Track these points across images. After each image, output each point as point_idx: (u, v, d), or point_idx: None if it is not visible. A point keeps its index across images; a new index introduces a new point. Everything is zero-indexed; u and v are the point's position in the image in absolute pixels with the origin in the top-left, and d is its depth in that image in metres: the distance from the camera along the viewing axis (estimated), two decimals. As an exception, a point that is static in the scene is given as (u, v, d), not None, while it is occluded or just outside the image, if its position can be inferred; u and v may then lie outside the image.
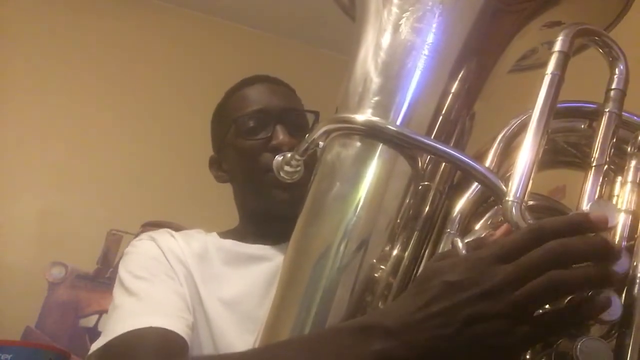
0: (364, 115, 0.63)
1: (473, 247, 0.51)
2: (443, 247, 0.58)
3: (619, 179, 0.59)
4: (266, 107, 0.94)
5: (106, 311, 2.34)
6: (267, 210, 0.93)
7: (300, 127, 0.93)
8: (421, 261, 0.60)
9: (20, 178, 2.33)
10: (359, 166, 0.62)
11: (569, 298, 0.47)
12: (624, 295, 0.50)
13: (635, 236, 0.54)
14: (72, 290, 2.31)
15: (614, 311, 0.46)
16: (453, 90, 0.64)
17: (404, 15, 0.66)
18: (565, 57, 0.58)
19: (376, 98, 0.64)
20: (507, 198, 0.52)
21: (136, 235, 2.46)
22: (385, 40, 0.66)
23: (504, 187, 0.53)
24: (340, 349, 0.49)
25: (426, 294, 0.47)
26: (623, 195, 0.57)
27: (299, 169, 0.71)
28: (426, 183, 0.62)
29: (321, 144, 0.66)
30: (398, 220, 0.60)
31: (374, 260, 0.58)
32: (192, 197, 2.32)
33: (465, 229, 0.59)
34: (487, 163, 0.60)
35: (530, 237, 0.47)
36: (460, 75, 0.65)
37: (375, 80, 0.65)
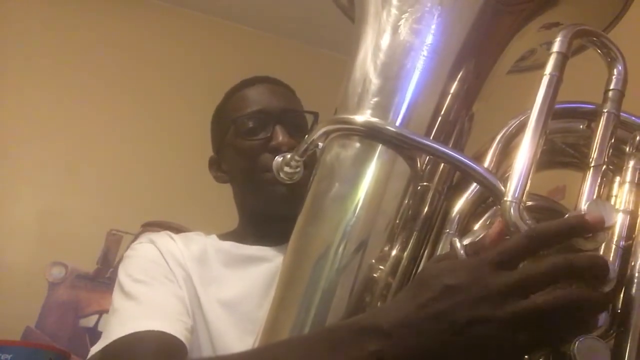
0: (363, 116, 0.63)
1: (471, 249, 0.51)
2: (442, 247, 0.58)
3: (618, 179, 0.59)
4: (266, 108, 0.94)
5: (106, 311, 2.34)
6: (267, 209, 0.93)
7: (299, 128, 0.93)
8: (420, 261, 0.60)
9: (20, 178, 2.33)
10: (358, 167, 0.62)
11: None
12: (621, 295, 0.50)
13: (634, 236, 0.54)
14: (72, 290, 2.31)
15: (602, 318, 0.48)
16: (452, 91, 0.64)
17: (403, 16, 0.66)
18: (564, 58, 0.58)
19: (375, 99, 0.65)
20: (505, 198, 0.52)
21: (136, 236, 2.48)
22: (385, 41, 0.67)
23: (502, 187, 0.53)
24: (336, 349, 0.48)
25: (424, 295, 0.47)
26: (621, 195, 0.57)
27: (298, 169, 0.72)
28: (425, 183, 0.62)
29: (320, 144, 0.66)
30: (397, 221, 0.60)
31: (373, 261, 0.59)
32: (192, 197, 2.32)
33: (464, 229, 0.59)
34: (486, 163, 0.61)
35: (528, 243, 0.47)
36: (459, 76, 0.65)
37: (375, 81, 0.65)
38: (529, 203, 0.57)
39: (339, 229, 0.60)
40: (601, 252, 0.51)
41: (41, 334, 2.21)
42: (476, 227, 0.60)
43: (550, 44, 0.60)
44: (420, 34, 0.65)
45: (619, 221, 0.54)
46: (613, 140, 0.58)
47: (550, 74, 0.57)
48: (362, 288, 0.58)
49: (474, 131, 0.67)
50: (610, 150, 0.58)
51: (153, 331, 0.73)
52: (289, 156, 0.71)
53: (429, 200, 0.62)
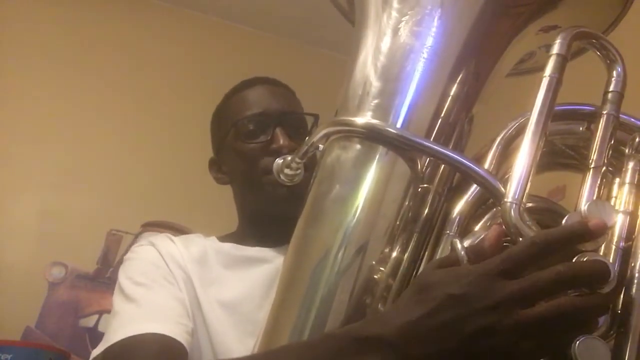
0: (364, 118, 0.63)
1: (471, 251, 0.51)
2: (442, 249, 0.58)
3: (617, 180, 0.59)
4: (266, 110, 0.94)
5: (106, 311, 2.34)
6: (267, 211, 0.93)
7: (299, 130, 0.93)
8: (420, 263, 0.60)
9: (20, 178, 2.33)
10: (359, 168, 0.62)
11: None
12: (621, 296, 0.51)
13: (633, 237, 0.54)
14: (72, 290, 2.31)
15: (601, 318, 0.48)
16: (452, 93, 0.64)
17: (403, 18, 0.66)
18: (563, 60, 0.59)
19: (376, 101, 0.65)
20: (505, 200, 0.52)
21: (136, 236, 2.48)
22: (385, 43, 0.67)
23: (502, 189, 0.54)
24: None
25: (428, 304, 0.47)
26: (621, 196, 0.57)
27: (299, 171, 0.72)
28: (425, 185, 0.62)
29: (321, 146, 0.66)
30: (397, 223, 0.60)
31: (374, 262, 0.59)
32: (191, 197, 2.32)
33: (464, 230, 0.59)
34: (486, 165, 0.61)
35: (532, 251, 0.47)
36: (459, 78, 0.65)
37: (375, 84, 0.66)
38: (529, 204, 0.57)
39: (339, 231, 0.60)
40: (601, 253, 0.51)
41: (41, 334, 2.21)
42: (476, 228, 0.60)
43: (549, 46, 0.60)
44: (420, 37, 0.65)
45: (619, 222, 0.54)
46: (612, 142, 0.59)
47: (549, 75, 0.58)
48: (362, 290, 0.58)
49: (474, 133, 0.67)
50: (610, 152, 0.58)
51: (153, 334, 0.73)
52: (289, 158, 0.71)
53: (429, 201, 0.62)
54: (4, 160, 2.30)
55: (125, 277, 0.84)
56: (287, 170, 0.71)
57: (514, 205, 0.51)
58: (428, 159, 0.62)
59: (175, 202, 2.40)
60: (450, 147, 0.64)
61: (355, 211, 0.60)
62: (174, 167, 2.45)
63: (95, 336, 2.23)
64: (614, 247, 0.52)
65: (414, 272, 0.59)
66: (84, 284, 2.33)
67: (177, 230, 2.29)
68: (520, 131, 0.60)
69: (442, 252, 0.58)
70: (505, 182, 0.54)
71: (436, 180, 0.63)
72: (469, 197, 0.60)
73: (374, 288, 0.58)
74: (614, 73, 0.61)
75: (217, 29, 2.74)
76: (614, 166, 0.60)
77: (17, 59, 2.43)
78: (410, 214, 0.61)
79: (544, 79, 0.58)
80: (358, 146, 0.63)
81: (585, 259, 0.47)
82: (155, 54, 2.62)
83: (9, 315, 2.11)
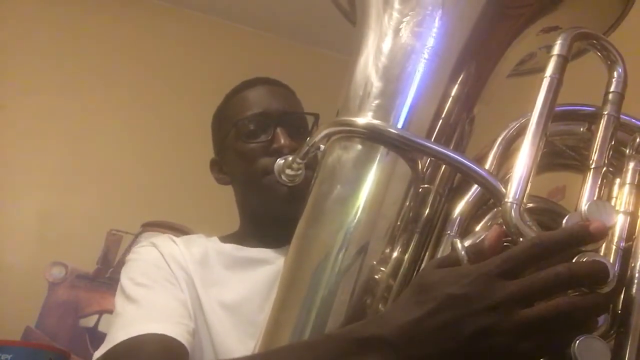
0: (365, 118, 0.63)
1: (472, 251, 0.51)
2: (443, 249, 0.58)
3: (618, 180, 0.60)
4: (266, 110, 0.94)
5: (106, 311, 2.33)
6: (268, 211, 0.93)
7: (300, 130, 0.93)
8: (421, 263, 0.60)
9: (20, 178, 2.33)
10: (360, 169, 0.62)
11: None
12: (622, 296, 0.51)
13: (634, 237, 0.54)
14: (72, 290, 2.30)
15: (601, 317, 0.48)
16: (453, 93, 0.64)
17: (404, 19, 0.66)
18: (564, 61, 0.59)
19: (377, 101, 0.65)
20: (506, 200, 0.52)
21: (136, 236, 2.48)
22: (386, 44, 0.67)
23: (503, 189, 0.54)
24: None
25: (428, 304, 0.47)
26: (621, 196, 0.57)
27: (300, 172, 0.72)
28: (426, 186, 0.62)
29: (322, 147, 0.66)
30: (398, 223, 0.60)
31: (374, 263, 0.59)
32: (192, 197, 2.32)
33: (465, 231, 0.59)
34: (487, 166, 0.61)
35: (532, 253, 0.47)
36: (460, 79, 0.65)
37: (376, 84, 0.66)
38: (530, 205, 0.57)
39: (340, 231, 0.60)
40: (601, 253, 0.51)
41: (41, 334, 2.21)
42: (477, 228, 0.60)
43: (550, 47, 0.60)
44: (421, 37, 0.65)
45: (619, 222, 0.55)
46: (613, 142, 0.59)
47: (550, 76, 0.58)
48: (363, 290, 0.58)
49: (475, 133, 0.67)
50: (611, 152, 0.58)
51: (155, 334, 0.73)
52: (290, 159, 0.71)
53: (430, 202, 0.62)
54: (4, 160, 2.30)
55: (126, 277, 0.84)
56: (288, 171, 0.71)
57: (515, 205, 0.51)
58: (429, 159, 0.62)
59: (175, 202, 2.39)
60: (451, 147, 0.64)
61: (356, 211, 0.60)
62: (174, 167, 2.45)
63: (96, 336, 2.23)
64: (614, 247, 0.52)
65: (415, 273, 0.60)
66: (84, 284, 2.33)
67: (178, 230, 2.29)
68: (520, 132, 0.60)
69: (442, 252, 0.58)
70: (505, 182, 0.54)
71: (437, 180, 0.63)
72: (469, 198, 0.60)
73: (374, 288, 0.58)
74: (615, 74, 0.61)
75: (217, 29, 2.74)
76: (614, 167, 0.61)
77: (17, 59, 2.43)
78: (411, 215, 0.61)
79: (545, 79, 0.58)
80: (359, 146, 0.63)
81: (584, 259, 0.47)
82: (156, 54, 2.62)
83: (9, 315, 2.11)
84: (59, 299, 2.29)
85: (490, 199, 0.60)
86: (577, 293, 0.46)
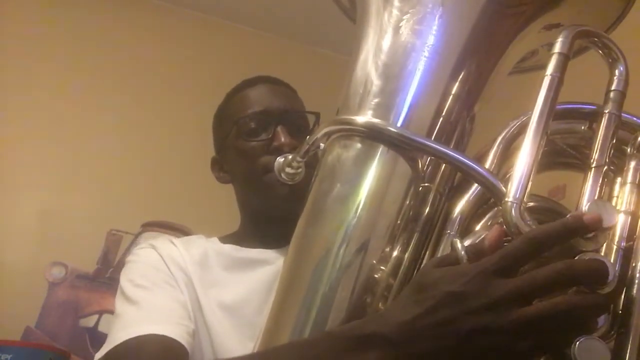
0: (365, 117, 0.63)
1: (472, 250, 0.51)
2: (443, 248, 0.58)
3: (619, 179, 0.59)
4: (267, 109, 0.94)
5: (106, 311, 2.33)
6: (268, 210, 0.93)
7: (301, 129, 0.93)
8: (421, 262, 0.60)
9: (20, 178, 2.33)
10: (360, 168, 0.62)
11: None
12: (622, 296, 0.50)
13: (634, 237, 0.54)
14: (72, 290, 2.30)
15: (602, 318, 0.48)
16: (453, 91, 0.64)
17: (404, 17, 0.66)
18: (565, 59, 0.58)
19: (376, 100, 0.65)
20: (506, 199, 0.52)
21: (136, 236, 2.48)
22: (386, 42, 0.66)
23: (503, 188, 0.53)
24: (339, 358, 0.49)
25: (427, 302, 0.47)
26: (622, 196, 0.57)
27: (300, 170, 0.71)
28: (426, 184, 0.62)
29: (322, 145, 0.66)
30: (398, 222, 0.60)
31: (374, 262, 0.58)
32: (192, 197, 2.32)
33: (465, 230, 0.59)
34: (487, 164, 0.61)
35: (528, 247, 0.47)
36: (460, 77, 0.65)
37: (376, 82, 0.65)
38: (530, 204, 0.57)
39: (340, 230, 0.60)
40: (602, 253, 0.51)
41: (41, 334, 2.21)
42: (477, 227, 0.60)
43: (551, 45, 0.60)
44: (421, 35, 0.65)
45: (620, 222, 0.54)
46: (614, 141, 0.58)
47: (551, 74, 0.57)
48: (363, 289, 0.57)
49: (475, 132, 0.67)
50: (612, 151, 0.58)
51: (155, 335, 0.73)
52: (290, 157, 0.71)
53: (430, 201, 0.62)
54: (4, 160, 2.30)
55: (126, 279, 0.84)
56: (288, 169, 0.71)
57: (515, 204, 0.51)
58: (429, 158, 0.61)
59: (175, 202, 2.39)
60: (452, 146, 0.63)
61: (356, 210, 0.60)
62: (174, 167, 2.45)
63: (95, 336, 2.23)
64: (615, 247, 0.52)
65: (415, 272, 0.59)
66: (84, 284, 2.33)
67: (177, 230, 2.29)
68: (521, 130, 0.60)
69: (442, 251, 0.58)
70: (506, 181, 0.54)
71: (437, 179, 0.62)
72: (470, 197, 0.60)
73: (374, 287, 0.58)
74: (616, 72, 0.61)
75: (217, 29, 2.74)
76: (615, 165, 0.60)
77: (17, 59, 2.42)
78: (411, 213, 0.60)
79: (546, 77, 0.57)
80: (359, 145, 0.63)
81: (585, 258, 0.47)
82: (156, 54, 2.62)
83: (9, 315, 2.11)
84: (59, 299, 2.29)
85: (490, 197, 0.59)
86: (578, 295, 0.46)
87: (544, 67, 0.58)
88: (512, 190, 0.52)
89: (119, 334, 0.75)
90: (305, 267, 0.61)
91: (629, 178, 0.58)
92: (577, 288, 0.47)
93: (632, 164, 0.59)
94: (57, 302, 2.28)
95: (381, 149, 0.61)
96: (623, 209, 0.56)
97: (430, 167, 0.62)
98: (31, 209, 2.34)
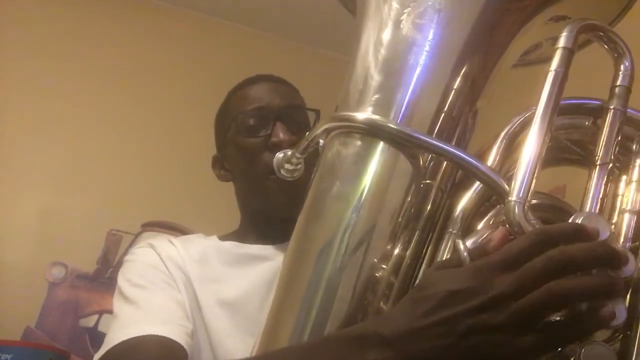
0: (364, 114, 0.62)
1: (475, 253, 0.50)
2: (445, 246, 0.57)
3: (624, 177, 0.58)
4: (266, 105, 0.93)
5: (106, 311, 2.33)
6: (267, 207, 0.92)
7: (300, 125, 0.92)
8: (423, 260, 0.59)
9: (20, 178, 2.33)
10: (360, 165, 0.61)
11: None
12: (628, 297, 0.49)
13: (640, 237, 0.53)
14: (72, 290, 2.30)
15: (619, 316, 0.45)
16: (455, 87, 0.63)
17: (405, 11, 0.64)
18: (570, 54, 0.57)
19: (377, 96, 0.63)
20: (509, 198, 0.51)
21: (136, 236, 2.47)
22: (386, 36, 0.65)
23: (506, 186, 0.53)
24: (336, 359, 0.49)
25: (426, 302, 0.47)
26: (628, 194, 0.56)
27: (299, 167, 0.71)
28: (428, 182, 0.61)
29: (322, 142, 0.65)
30: (399, 220, 0.59)
31: (375, 260, 0.58)
32: (192, 197, 2.33)
33: (467, 228, 0.58)
34: (490, 162, 0.60)
35: (531, 245, 0.46)
36: (462, 72, 0.63)
37: (376, 78, 0.64)
38: (534, 201, 0.56)
39: (340, 228, 0.59)
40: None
41: (41, 334, 2.21)
42: (480, 225, 0.59)
43: (555, 39, 0.58)
44: (422, 29, 0.64)
45: (626, 221, 0.54)
46: (619, 138, 0.57)
47: (555, 70, 0.56)
48: (364, 287, 0.57)
49: (478, 128, 0.66)
50: (617, 148, 0.57)
51: (154, 335, 0.73)
52: (289, 153, 0.70)
53: (431, 198, 0.60)
54: (4, 160, 2.30)
55: (124, 279, 0.84)
56: (287, 165, 0.70)
57: (518, 203, 0.50)
58: (430, 155, 0.60)
59: (175, 202, 2.40)
60: (454, 142, 0.62)
61: (356, 208, 0.59)
62: (174, 167, 2.45)
63: (95, 336, 2.23)
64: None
65: (416, 270, 0.59)
66: (84, 284, 2.33)
67: (177, 230, 2.29)
68: (525, 126, 0.59)
69: (444, 249, 0.57)
70: (509, 179, 0.53)
71: (439, 176, 0.61)
72: (472, 194, 0.59)
73: (375, 286, 0.57)
74: (622, 67, 0.60)
75: (217, 29, 2.74)
76: (620, 163, 0.59)
77: (17, 59, 2.42)
78: (412, 211, 0.59)
79: (550, 73, 0.56)
80: (359, 142, 0.62)
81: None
82: (155, 54, 2.62)
83: (9, 315, 2.11)
84: (59, 299, 2.29)
85: (493, 195, 0.58)
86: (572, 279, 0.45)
87: (547, 60, 0.57)
88: (516, 188, 0.51)
89: (117, 334, 0.75)
90: (305, 266, 0.60)
91: (635, 176, 0.57)
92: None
93: (638, 161, 0.58)
94: (57, 302, 2.28)
95: (381, 146, 0.60)
96: (628, 208, 0.55)
97: (431, 164, 0.61)
98: (31, 209, 2.34)
